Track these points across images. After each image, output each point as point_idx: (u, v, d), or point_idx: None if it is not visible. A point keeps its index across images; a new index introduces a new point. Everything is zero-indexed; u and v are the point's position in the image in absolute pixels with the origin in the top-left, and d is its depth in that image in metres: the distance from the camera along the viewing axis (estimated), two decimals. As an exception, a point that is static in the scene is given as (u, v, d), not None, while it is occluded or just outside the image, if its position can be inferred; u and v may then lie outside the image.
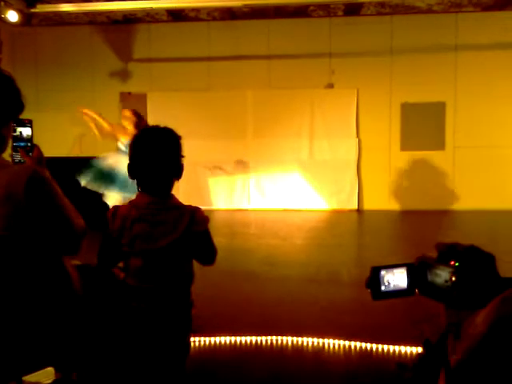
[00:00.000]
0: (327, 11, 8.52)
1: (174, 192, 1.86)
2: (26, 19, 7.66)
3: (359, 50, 8.63)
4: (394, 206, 8.58)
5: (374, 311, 3.46)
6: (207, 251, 1.87)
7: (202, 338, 3.04)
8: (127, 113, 5.50)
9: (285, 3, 7.80)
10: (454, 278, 1.00)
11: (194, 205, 1.84)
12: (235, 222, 7.48)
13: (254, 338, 3.07)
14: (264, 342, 3.05)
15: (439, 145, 8.63)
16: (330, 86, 8.81)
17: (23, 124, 1.81)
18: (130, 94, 9.08)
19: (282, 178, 8.80)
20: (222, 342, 3.04)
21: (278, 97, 8.70)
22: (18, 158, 1.78)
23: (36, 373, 1.71)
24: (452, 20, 8.50)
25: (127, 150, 1.93)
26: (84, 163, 5.51)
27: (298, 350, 2.97)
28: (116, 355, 1.81)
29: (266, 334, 3.09)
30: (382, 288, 1.09)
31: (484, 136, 8.44)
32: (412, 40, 8.54)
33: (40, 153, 1.80)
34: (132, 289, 1.79)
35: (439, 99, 8.58)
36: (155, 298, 1.77)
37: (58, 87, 9.02)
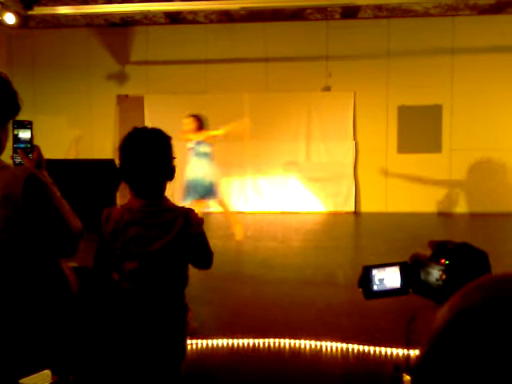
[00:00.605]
0: (324, 14, 8.54)
1: (169, 194, 1.86)
2: (24, 21, 7.65)
3: (356, 53, 8.66)
4: (390, 208, 8.60)
5: (371, 313, 3.47)
6: (203, 254, 1.85)
7: (199, 341, 3.04)
8: (187, 120, 5.91)
9: (282, 6, 7.82)
10: (444, 276, 0.99)
11: (190, 207, 1.84)
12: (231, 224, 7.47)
13: (251, 341, 3.07)
14: (261, 345, 3.05)
15: (436, 147, 8.66)
16: (327, 88, 8.83)
17: (23, 125, 1.81)
18: (127, 96, 9.08)
19: (279, 180, 8.81)
20: (219, 345, 3.04)
21: (275, 99, 8.71)
22: (18, 159, 1.78)
23: (33, 375, 1.70)
24: (449, 23, 8.54)
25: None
26: (85, 166, 5.57)
27: (295, 353, 2.97)
28: (112, 358, 1.80)
29: (262, 337, 3.09)
30: (374, 287, 1.08)
31: (481, 139, 8.47)
32: (409, 43, 8.57)
33: (40, 154, 1.80)
34: (126, 292, 1.78)
35: (436, 102, 8.62)
36: (149, 302, 1.76)
37: (55, 89, 9.02)
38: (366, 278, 1.07)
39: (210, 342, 3.04)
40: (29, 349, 1.65)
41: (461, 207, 8.40)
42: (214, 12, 8.31)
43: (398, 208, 8.49)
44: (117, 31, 8.99)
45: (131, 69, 9.06)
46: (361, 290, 1.08)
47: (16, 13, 7.27)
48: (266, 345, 3.05)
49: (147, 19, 8.72)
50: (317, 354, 2.95)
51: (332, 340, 3.05)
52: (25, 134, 1.82)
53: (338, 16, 8.60)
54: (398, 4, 7.93)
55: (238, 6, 7.59)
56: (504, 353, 0.44)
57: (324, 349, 3.01)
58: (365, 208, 8.68)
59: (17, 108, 1.67)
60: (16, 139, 1.79)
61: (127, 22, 8.83)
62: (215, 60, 8.87)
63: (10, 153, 1.81)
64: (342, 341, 3.03)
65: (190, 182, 5.73)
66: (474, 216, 7.93)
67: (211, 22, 8.86)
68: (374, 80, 8.64)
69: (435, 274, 1.02)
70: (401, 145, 8.70)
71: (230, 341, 3.06)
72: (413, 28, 8.54)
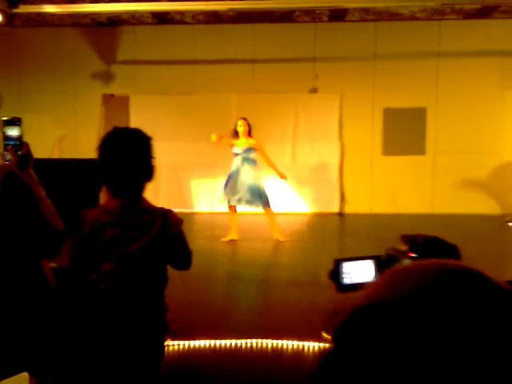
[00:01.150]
0: (312, 17, 8.58)
1: (153, 195, 1.86)
2: (9, 20, 7.58)
3: (343, 56, 8.71)
4: (375, 209, 8.66)
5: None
6: (182, 255, 1.85)
7: (182, 342, 3.03)
8: (240, 122, 6.13)
9: (270, 8, 7.84)
10: None
11: (175, 208, 1.83)
12: (217, 225, 7.47)
13: (233, 342, 3.07)
14: (244, 346, 3.05)
15: (420, 150, 8.74)
16: (314, 90, 8.86)
17: (12, 123, 1.81)
18: (112, 96, 9.02)
19: (265, 181, 8.81)
20: (202, 346, 3.03)
21: (262, 101, 8.72)
22: (8, 156, 1.78)
23: (9, 378, 1.69)
24: (435, 27, 8.63)
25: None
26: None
27: (278, 353, 2.98)
28: (90, 359, 1.80)
29: (245, 338, 3.10)
30: (345, 280, 1.08)
31: (464, 142, 8.57)
32: (395, 46, 8.64)
33: (28, 152, 1.79)
34: (102, 293, 1.77)
35: (421, 105, 8.70)
36: (126, 303, 1.76)
37: (41, 88, 8.94)
38: (336, 271, 1.08)
39: (192, 342, 3.04)
40: (6, 351, 1.63)
41: (443, 208, 8.48)
42: (201, 13, 8.30)
43: (382, 209, 8.56)
44: (103, 31, 8.94)
45: (118, 69, 9.01)
46: (333, 282, 1.08)
47: (1, 11, 7.19)
48: (249, 345, 3.05)
49: (134, 19, 8.68)
50: (299, 355, 2.96)
51: (315, 340, 3.06)
52: (14, 132, 1.81)
53: (325, 18, 8.64)
54: (385, 7, 7.99)
55: (226, 7, 7.59)
56: (409, 349, 0.43)
57: (306, 349, 3.02)
58: (350, 209, 8.73)
59: None
60: (5, 137, 1.79)
61: (114, 22, 8.78)
62: (203, 61, 8.86)
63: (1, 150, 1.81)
64: (325, 341, 3.05)
65: (252, 188, 5.98)
66: (456, 217, 8.01)
67: (199, 22, 8.84)
68: (361, 82, 8.70)
69: None
70: (386, 147, 8.77)
71: (213, 342, 3.06)
72: (399, 31, 8.62)
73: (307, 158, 8.84)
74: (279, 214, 8.49)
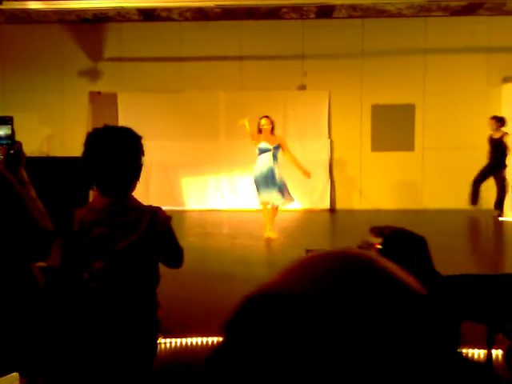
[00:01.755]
0: (300, 13, 8.58)
1: (143, 193, 1.84)
2: (-8, 16, 7.47)
3: (331, 52, 8.72)
4: (365, 205, 8.70)
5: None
6: (172, 252, 1.83)
7: (174, 340, 3.01)
8: (264, 121, 6.06)
9: (257, 4, 7.82)
10: None
11: (166, 206, 1.82)
12: (208, 222, 7.45)
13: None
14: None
15: (409, 146, 8.80)
16: (303, 87, 8.87)
17: (4, 121, 1.78)
18: (99, 93, 8.94)
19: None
20: (194, 343, 3.02)
21: (250, 98, 8.70)
22: (0, 156, 1.75)
23: (0, 378, 1.66)
24: (421, 24, 8.68)
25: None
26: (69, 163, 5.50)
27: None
28: (81, 358, 1.77)
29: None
30: None
31: (452, 137, 8.64)
32: (382, 43, 8.68)
33: (20, 151, 1.76)
34: (93, 291, 1.76)
35: (409, 101, 8.75)
36: (116, 301, 1.74)
37: (26, 86, 8.82)
38: None
39: (185, 340, 3.03)
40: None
41: (433, 204, 8.54)
42: (188, 9, 8.25)
43: (372, 205, 8.60)
44: (89, 27, 8.85)
45: (104, 66, 8.93)
46: None
47: (-16, 7, 7.09)
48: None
49: (120, 16, 8.60)
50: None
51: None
52: (5, 130, 1.79)
53: (313, 15, 8.64)
54: (372, 4, 8.02)
55: (213, 3, 7.55)
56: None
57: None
58: (340, 205, 8.77)
59: None
60: None
61: (100, 19, 8.70)
62: (190, 58, 8.81)
63: None
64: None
65: (284, 184, 6.07)
66: (444, 212, 8.08)
67: (186, 19, 8.79)
68: (349, 79, 8.73)
69: None
70: (375, 143, 8.81)
71: (206, 339, 3.05)
72: (386, 28, 8.65)
73: (297, 154, 8.73)
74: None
